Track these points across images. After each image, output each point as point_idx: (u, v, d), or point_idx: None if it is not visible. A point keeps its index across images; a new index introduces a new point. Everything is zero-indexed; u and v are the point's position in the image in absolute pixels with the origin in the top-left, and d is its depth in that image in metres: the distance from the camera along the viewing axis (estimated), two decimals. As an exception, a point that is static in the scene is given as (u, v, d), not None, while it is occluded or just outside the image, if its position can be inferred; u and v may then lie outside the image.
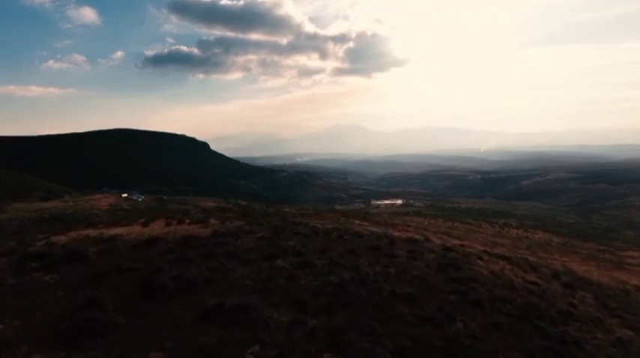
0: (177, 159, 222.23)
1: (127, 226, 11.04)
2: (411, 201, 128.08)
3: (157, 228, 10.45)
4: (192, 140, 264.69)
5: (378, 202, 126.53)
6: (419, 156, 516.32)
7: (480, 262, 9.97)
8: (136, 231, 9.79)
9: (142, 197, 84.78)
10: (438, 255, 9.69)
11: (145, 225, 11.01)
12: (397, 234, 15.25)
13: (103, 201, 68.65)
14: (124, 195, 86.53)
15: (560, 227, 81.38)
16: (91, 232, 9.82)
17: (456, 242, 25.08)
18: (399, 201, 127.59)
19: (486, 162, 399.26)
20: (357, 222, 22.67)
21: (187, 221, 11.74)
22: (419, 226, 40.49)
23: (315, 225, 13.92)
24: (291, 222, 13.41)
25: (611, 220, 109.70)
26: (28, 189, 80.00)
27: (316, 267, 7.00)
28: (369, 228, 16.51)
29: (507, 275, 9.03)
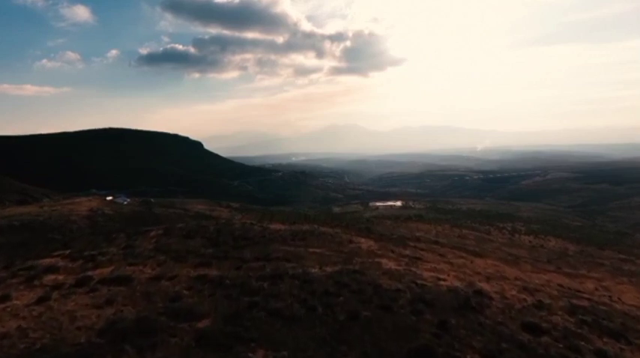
0: (171, 158, 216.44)
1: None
2: (410, 203, 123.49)
3: (17, 306, 5.79)
4: (186, 139, 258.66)
5: (377, 204, 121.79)
6: (416, 156, 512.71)
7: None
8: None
9: (128, 200, 79.58)
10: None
11: (5, 296, 6.28)
12: (427, 275, 10.62)
13: (83, 205, 63.56)
14: (109, 198, 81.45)
15: (570, 231, 77.41)
16: None
17: (481, 263, 20.52)
18: (398, 203, 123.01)
19: (484, 162, 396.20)
20: (363, 243, 18.07)
21: (94, 278, 7.01)
22: (429, 238, 36.03)
23: (310, 270, 9.27)
24: (275, 268, 8.74)
25: (618, 222, 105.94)
26: (2, 193, 74.59)
27: None
28: (387, 265, 11.87)
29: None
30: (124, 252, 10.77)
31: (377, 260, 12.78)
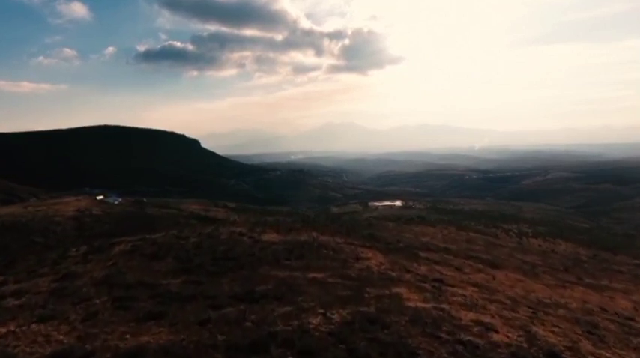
0: (167, 157, 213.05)
1: None
2: (411, 203, 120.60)
3: None
4: (182, 137, 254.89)
5: (376, 204, 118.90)
6: (414, 154, 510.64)
7: None
8: None
9: (119, 200, 76.63)
10: None
11: None
12: (467, 319, 7.81)
13: (71, 205, 60.46)
14: (100, 197, 78.50)
15: (578, 233, 74.86)
16: None
17: (503, 278, 17.62)
18: (398, 203, 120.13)
19: (482, 161, 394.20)
20: (371, 259, 15.27)
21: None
22: (438, 245, 33.27)
23: (309, 321, 6.46)
24: (259, 319, 5.93)
25: (624, 224, 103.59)
26: (-14, 192, 71.48)
27: None
28: (410, 300, 9.05)
29: None
30: (56, 287, 7.90)
31: (395, 290, 9.97)
